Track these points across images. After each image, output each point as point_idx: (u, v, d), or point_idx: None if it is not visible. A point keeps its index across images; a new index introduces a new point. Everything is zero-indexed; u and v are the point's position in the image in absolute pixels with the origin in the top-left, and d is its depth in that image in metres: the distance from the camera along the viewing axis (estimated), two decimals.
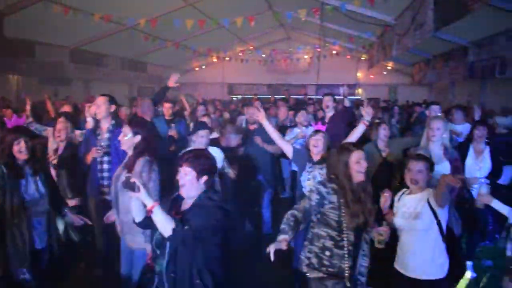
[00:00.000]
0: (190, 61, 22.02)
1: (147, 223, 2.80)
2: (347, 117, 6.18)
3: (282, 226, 3.01)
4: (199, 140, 4.73)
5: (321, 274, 3.07)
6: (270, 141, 5.37)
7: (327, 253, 3.06)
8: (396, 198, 3.47)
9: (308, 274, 3.15)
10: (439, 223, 3.15)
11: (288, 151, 4.66)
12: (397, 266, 3.36)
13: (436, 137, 4.39)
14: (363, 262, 3.20)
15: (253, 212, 6.26)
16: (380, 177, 4.82)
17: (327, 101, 6.30)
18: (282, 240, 2.88)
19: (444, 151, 4.42)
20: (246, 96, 22.32)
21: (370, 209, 3.14)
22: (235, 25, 11.88)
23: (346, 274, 3.02)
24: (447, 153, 4.42)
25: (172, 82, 6.34)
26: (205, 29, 13.66)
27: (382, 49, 14.86)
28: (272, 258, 2.79)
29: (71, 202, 4.61)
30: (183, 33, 14.07)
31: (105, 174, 4.84)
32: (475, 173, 4.88)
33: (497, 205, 3.61)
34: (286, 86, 22.85)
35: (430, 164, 3.34)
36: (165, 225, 2.61)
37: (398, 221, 3.30)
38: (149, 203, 2.61)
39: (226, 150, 5.28)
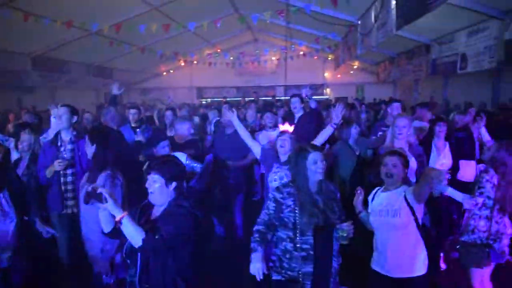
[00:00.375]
0: (157, 65, 21.76)
1: (116, 234, 2.75)
2: (314, 119, 6.22)
3: (252, 244, 3.01)
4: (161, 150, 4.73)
5: (280, 277, 3.07)
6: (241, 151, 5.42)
7: (287, 256, 3.04)
8: (370, 197, 3.45)
9: (272, 277, 3.13)
10: (416, 220, 3.15)
11: (257, 151, 4.69)
12: (375, 267, 3.31)
13: (402, 135, 4.44)
14: (334, 263, 3.15)
15: (224, 216, 6.23)
16: (357, 175, 4.93)
17: (294, 102, 6.34)
18: (257, 262, 2.89)
19: (409, 147, 4.47)
20: (215, 99, 22.26)
21: (333, 208, 3.13)
22: (201, 28, 11.84)
23: (300, 279, 3.00)
24: (412, 149, 4.48)
25: (116, 90, 6.22)
26: (171, 33, 13.57)
27: (347, 49, 15.08)
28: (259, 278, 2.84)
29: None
30: (148, 37, 13.93)
31: (69, 187, 4.65)
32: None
33: (451, 192, 3.75)
34: (255, 88, 22.91)
35: (405, 159, 3.34)
36: (134, 235, 2.57)
37: (374, 219, 3.28)
38: (118, 213, 2.57)
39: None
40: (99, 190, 2.57)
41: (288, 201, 3.06)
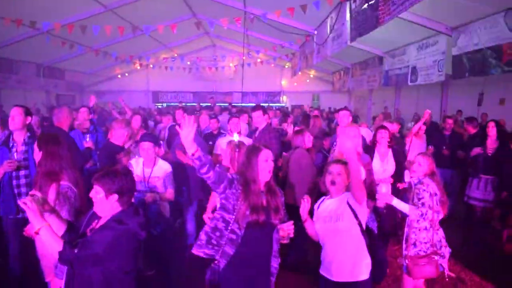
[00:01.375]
0: (112, 68, 21.31)
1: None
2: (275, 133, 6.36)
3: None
4: (143, 153, 4.63)
5: (201, 253, 3.15)
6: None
7: (217, 233, 3.13)
8: (315, 205, 3.50)
9: (193, 251, 3.20)
10: (360, 224, 3.20)
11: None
12: (322, 271, 3.36)
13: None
14: (274, 263, 3.25)
15: (176, 224, 6.16)
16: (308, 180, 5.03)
17: (257, 116, 6.31)
18: None
19: (358, 157, 4.51)
20: (171, 104, 22.02)
21: (277, 208, 3.19)
22: (157, 32, 11.69)
23: (218, 256, 3.12)
24: (360, 158, 4.49)
25: (92, 102, 6.35)
26: (127, 36, 13.31)
27: (304, 57, 15.31)
28: None
29: None
30: (103, 39, 13.61)
31: (23, 190, 4.47)
32: (380, 175, 5.09)
33: (397, 204, 3.84)
34: (212, 93, 22.84)
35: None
36: (52, 247, 2.49)
37: (319, 226, 3.32)
38: (37, 224, 2.47)
39: None
40: (33, 194, 2.51)
41: (238, 185, 3.14)
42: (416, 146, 7.23)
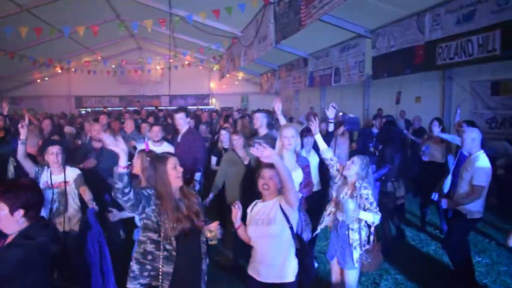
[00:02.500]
0: (30, 72, 20.04)
1: None
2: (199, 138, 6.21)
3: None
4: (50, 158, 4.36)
5: (141, 281, 3.01)
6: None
7: (149, 257, 3.02)
8: (249, 209, 3.50)
9: (128, 286, 3.04)
10: (291, 228, 3.24)
11: None
12: (250, 272, 3.39)
13: (292, 146, 4.39)
14: (203, 265, 3.24)
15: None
16: (245, 184, 5.01)
17: (179, 118, 5.91)
18: None
19: (297, 158, 4.49)
20: (95, 109, 21.17)
21: (197, 212, 3.18)
22: (78, 34, 11.17)
23: (160, 279, 2.99)
24: (299, 160, 4.51)
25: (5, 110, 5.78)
26: (45, 38, 12.60)
27: (232, 60, 15.37)
28: None
29: None
30: (18, 41, 12.80)
31: None
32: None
33: (364, 216, 3.84)
34: (138, 97, 22.29)
35: None
36: None
37: (251, 228, 3.32)
38: None
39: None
40: None
41: (156, 200, 3.03)
42: (340, 145, 7.54)
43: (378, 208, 3.85)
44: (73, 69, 19.41)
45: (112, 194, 2.83)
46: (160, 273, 2.99)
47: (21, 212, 2.44)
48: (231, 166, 5.41)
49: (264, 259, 3.27)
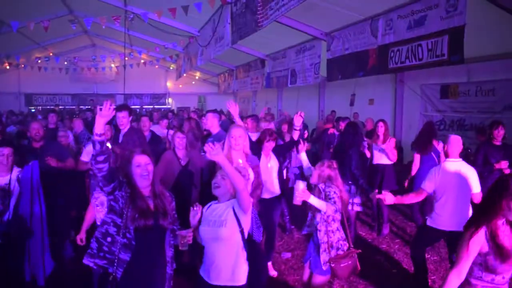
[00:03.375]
0: None
1: None
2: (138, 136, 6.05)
3: None
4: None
5: (97, 260, 2.99)
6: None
7: (109, 239, 2.99)
8: (204, 209, 3.47)
9: (84, 260, 3.04)
10: (242, 232, 3.20)
11: None
12: (201, 272, 3.35)
13: (239, 146, 4.40)
14: (168, 269, 3.22)
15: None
16: (180, 185, 4.94)
17: (122, 117, 5.60)
18: None
19: (246, 158, 4.49)
20: (46, 107, 20.41)
21: (165, 212, 3.14)
22: (27, 28, 10.73)
23: (115, 265, 2.97)
24: (248, 160, 4.51)
25: None
26: None
27: (188, 59, 15.23)
28: None
29: None
30: None
31: None
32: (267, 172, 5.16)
33: (313, 201, 3.85)
34: (92, 95, 21.69)
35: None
36: None
37: (202, 229, 3.27)
38: None
39: None
40: None
41: (126, 191, 3.05)
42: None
43: (335, 206, 3.89)
44: (22, 66, 18.61)
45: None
46: (116, 259, 2.94)
47: None
48: (167, 166, 5.30)
49: (214, 261, 3.23)
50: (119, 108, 5.49)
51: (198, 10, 8.61)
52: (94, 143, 2.82)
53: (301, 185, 3.82)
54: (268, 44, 11.84)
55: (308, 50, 10.27)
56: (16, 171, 4.36)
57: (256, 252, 3.39)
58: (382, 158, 6.74)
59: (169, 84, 23.74)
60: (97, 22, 10.42)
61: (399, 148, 7.28)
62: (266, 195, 4.93)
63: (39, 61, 18.59)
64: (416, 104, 9.84)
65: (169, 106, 23.06)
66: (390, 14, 7.10)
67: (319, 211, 3.92)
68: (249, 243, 3.30)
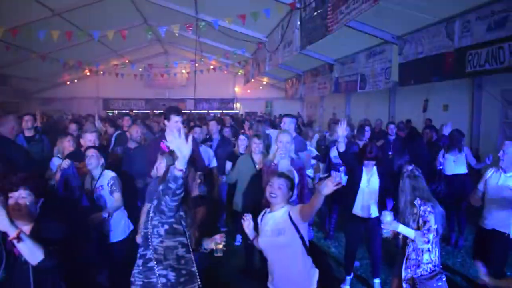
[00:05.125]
0: (60, 74, 20.49)
1: None
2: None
3: None
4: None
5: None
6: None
7: (182, 261, 2.96)
8: (259, 219, 3.47)
9: None
10: (302, 237, 3.16)
11: None
12: (270, 285, 3.32)
13: (284, 150, 4.58)
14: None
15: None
16: (253, 189, 4.97)
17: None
18: None
19: (291, 161, 4.63)
20: (122, 111, 21.50)
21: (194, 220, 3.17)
22: (107, 37, 11.40)
23: (198, 280, 2.99)
24: (293, 163, 4.63)
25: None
26: (75, 41, 12.88)
27: (257, 65, 15.40)
28: None
29: None
30: (50, 44, 13.12)
31: None
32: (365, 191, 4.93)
33: (403, 230, 3.69)
34: (164, 100, 22.53)
35: (292, 183, 3.35)
36: (36, 249, 2.39)
37: (261, 240, 3.28)
38: (13, 230, 2.32)
39: None
40: None
41: (181, 208, 3.01)
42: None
43: (430, 232, 3.62)
44: (101, 72, 19.76)
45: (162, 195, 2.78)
46: (197, 273, 2.99)
47: (41, 200, 2.66)
48: (244, 170, 5.40)
49: (280, 271, 3.21)
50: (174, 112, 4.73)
51: (267, 16, 8.68)
52: (177, 178, 2.61)
53: (388, 217, 3.68)
54: (337, 48, 11.68)
55: (378, 54, 10.02)
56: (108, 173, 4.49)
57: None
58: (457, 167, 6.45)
59: (237, 89, 24.12)
60: (170, 30, 10.80)
61: (476, 157, 6.84)
62: None
63: (116, 68, 19.65)
64: (495, 111, 9.23)
65: (236, 111, 23.43)
66: (467, 16, 6.75)
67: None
68: (308, 247, 3.25)
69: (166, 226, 2.91)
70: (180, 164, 2.56)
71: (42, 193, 2.71)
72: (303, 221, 3.14)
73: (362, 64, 11.02)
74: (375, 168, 4.86)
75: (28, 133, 6.46)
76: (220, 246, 3.14)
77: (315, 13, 7.66)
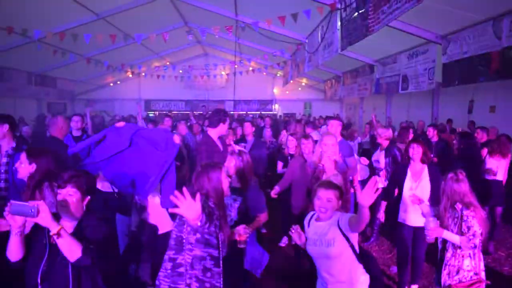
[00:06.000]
0: (104, 76, 21.15)
1: (21, 262, 2.57)
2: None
3: None
4: None
5: None
6: None
7: (208, 274, 2.89)
8: (305, 222, 3.40)
9: None
10: (352, 246, 3.10)
11: None
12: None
13: (328, 152, 4.50)
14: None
15: None
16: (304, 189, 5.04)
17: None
18: None
19: (335, 165, 4.55)
20: (162, 112, 21.95)
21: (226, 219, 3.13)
22: (149, 40, 11.67)
23: None
24: (337, 166, 4.56)
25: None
26: (118, 44, 13.28)
27: (296, 66, 15.34)
28: None
29: None
30: (94, 47, 13.57)
31: (1, 202, 4.40)
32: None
33: (447, 236, 3.62)
34: (204, 102, 22.82)
35: (340, 191, 3.24)
36: (74, 247, 2.44)
37: (309, 248, 3.23)
38: (54, 227, 2.39)
39: None
40: (30, 204, 2.37)
41: (215, 217, 2.94)
42: None
43: (476, 236, 3.52)
44: (143, 74, 20.24)
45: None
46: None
47: (88, 197, 2.75)
48: (298, 171, 5.44)
49: (330, 279, 3.17)
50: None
51: (307, 17, 8.64)
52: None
53: (432, 224, 3.60)
54: (378, 49, 11.49)
55: (421, 54, 9.78)
56: None
57: (368, 260, 3.23)
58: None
59: (275, 90, 24.11)
60: (210, 32, 10.92)
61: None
62: None
63: (158, 69, 20.08)
64: None
65: (275, 112, 23.43)
66: None
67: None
68: (360, 255, 3.18)
69: (198, 235, 2.88)
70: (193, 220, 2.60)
71: (89, 190, 2.78)
72: (353, 231, 3.07)
73: (404, 65, 10.78)
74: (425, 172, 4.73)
75: (76, 133, 6.73)
76: (244, 238, 3.13)
77: (356, 14, 7.56)
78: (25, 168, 3.44)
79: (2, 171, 4.43)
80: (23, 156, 3.49)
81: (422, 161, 4.73)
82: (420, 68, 9.81)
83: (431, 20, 8.20)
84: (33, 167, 3.44)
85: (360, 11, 7.32)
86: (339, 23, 8.68)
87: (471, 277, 3.57)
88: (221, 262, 2.92)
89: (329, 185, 3.23)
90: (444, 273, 3.67)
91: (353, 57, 12.75)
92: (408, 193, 4.67)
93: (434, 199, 4.37)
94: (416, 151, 4.71)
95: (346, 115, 21.35)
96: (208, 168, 3.12)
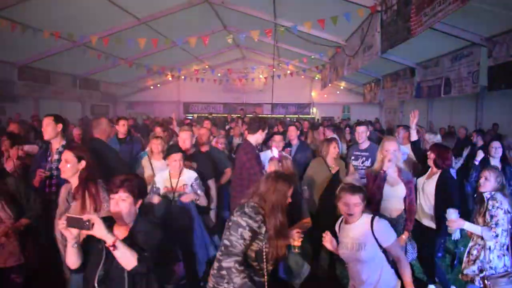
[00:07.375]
0: (145, 79, 21.72)
1: (81, 268, 2.64)
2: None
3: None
4: (172, 164, 4.65)
5: None
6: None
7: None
8: (336, 227, 3.41)
9: None
10: (384, 252, 3.12)
11: None
12: None
13: (392, 160, 4.26)
14: None
15: None
16: (328, 193, 4.88)
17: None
18: None
19: (398, 173, 4.34)
20: (201, 115, 22.26)
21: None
22: (189, 44, 11.89)
23: None
24: (401, 175, 4.33)
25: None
26: (159, 48, 13.58)
27: (334, 69, 15.22)
28: None
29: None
30: (136, 51, 13.93)
31: (53, 197, 4.47)
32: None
33: (469, 227, 3.64)
34: (242, 105, 22.98)
35: (364, 194, 3.23)
36: (130, 257, 2.47)
37: (341, 252, 3.25)
38: (110, 238, 2.44)
39: None
40: (84, 217, 2.42)
41: (262, 229, 3.00)
42: None
43: (498, 227, 3.54)
44: (182, 77, 20.64)
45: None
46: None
47: (140, 201, 2.77)
48: (317, 173, 5.37)
49: (360, 281, 3.16)
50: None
51: (347, 20, 8.56)
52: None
53: (453, 215, 3.56)
54: (419, 51, 11.23)
55: (465, 57, 9.48)
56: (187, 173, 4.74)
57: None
58: None
59: (313, 93, 23.99)
60: (250, 36, 11.00)
61: None
62: None
63: (197, 73, 20.39)
64: None
65: (313, 116, 23.31)
66: None
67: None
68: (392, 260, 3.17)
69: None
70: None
71: (141, 193, 2.80)
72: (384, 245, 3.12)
73: (446, 68, 10.49)
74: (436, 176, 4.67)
75: (121, 135, 6.95)
76: (297, 244, 3.12)
77: (397, 16, 7.44)
78: (71, 167, 3.52)
79: (53, 167, 4.60)
80: (68, 154, 3.55)
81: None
82: (463, 71, 9.52)
83: (476, 21, 7.96)
84: (82, 164, 3.53)
85: (401, 14, 7.21)
86: (379, 26, 8.56)
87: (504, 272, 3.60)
88: (263, 272, 2.97)
89: (354, 189, 3.20)
90: (466, 262, 3.74)
91: (393, 60, 12.51)
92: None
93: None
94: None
95: (385, 119, 20.97)
96: (279, 179, 3.12)
